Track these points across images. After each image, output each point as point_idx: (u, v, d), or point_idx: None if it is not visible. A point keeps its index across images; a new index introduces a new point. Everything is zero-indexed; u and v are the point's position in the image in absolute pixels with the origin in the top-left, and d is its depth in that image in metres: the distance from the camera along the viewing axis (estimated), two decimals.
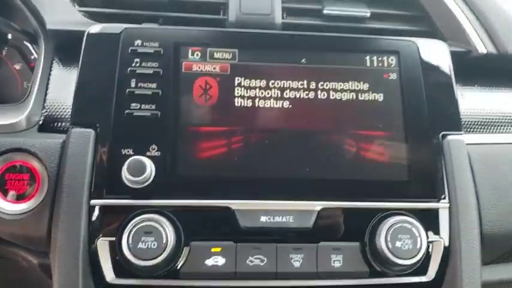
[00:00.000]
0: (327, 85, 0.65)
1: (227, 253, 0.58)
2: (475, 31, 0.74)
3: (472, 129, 0.73)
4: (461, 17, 0.75)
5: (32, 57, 0.80)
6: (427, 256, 0.61)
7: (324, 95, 0.65)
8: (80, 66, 0.64)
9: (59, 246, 0.58)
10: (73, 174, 0.59)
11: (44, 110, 0.67)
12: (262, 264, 0.58)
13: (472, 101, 0.75)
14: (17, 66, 0.81)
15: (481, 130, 0.74)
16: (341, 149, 0.63)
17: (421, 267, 0.61)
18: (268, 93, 0.65)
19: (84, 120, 0.62)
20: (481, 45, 0.74)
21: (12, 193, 0.62)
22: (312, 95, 0.65)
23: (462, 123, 0.69)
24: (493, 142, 0.70)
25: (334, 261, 0.59)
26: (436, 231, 0.62)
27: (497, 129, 0.74)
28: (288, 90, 0.65)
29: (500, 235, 0.65)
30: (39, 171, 0.62)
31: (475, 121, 0.73)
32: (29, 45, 0.81)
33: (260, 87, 0.65)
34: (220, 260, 0.58)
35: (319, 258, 0.59)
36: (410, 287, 0.61)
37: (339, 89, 0.65)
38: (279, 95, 0.65)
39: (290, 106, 0.64)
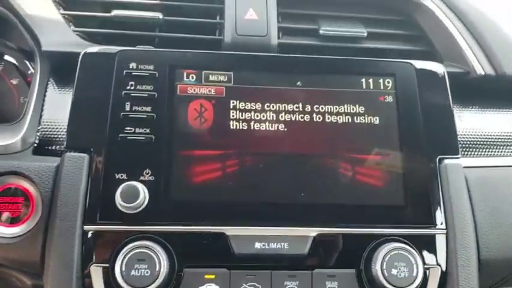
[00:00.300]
0: (322, 108, 0.65)
1: (221, 280, 0.58)
2: (473, 52, 0.74)
3: (470, 151, 0.73)
4: (459, 38, 0.74)
5: (29, 72, 0.81)
6: (424, 282, 0.60)
7: (319, 118, 0.65)
8: (74, 89, 0.64)
9: (52, 272, 0.57)
10: (67, 199, 0.59)
11: (39, 132, 0.67)
12: None
13: (470, 122, 0.74)
14: (14, 81, 0.81)
15: (479, 151, 0.73)
16: (336, 173, 0.63)
17: None
18: (263, 116, 0.64)
19: (78, 144, 0.62)
20: (479, 67, 0.74)
21: (6, 216, 0.62)
22: (307, 118, 0.65)
23: (460, 144, 0.68)
24: (490, 165, 0.70)
25: None
26: (433, 258, 0.61)
27: (495, 150, 0.74)
28: (284, 113, 0.65)
29: (498, 260, 0.64)
30: (33, 195, 0.62)
31: (473, 142, 0.73)
32: (26, 61, 0.81)
33: (255, 110, 0.64)
34: None
35: (314, 285, 0.58)
36: None
37: (334, 112, 0.65)
38: (275, 118, 0.64)
39: (285, 129, 0.64)
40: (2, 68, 0.82)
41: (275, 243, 0.59)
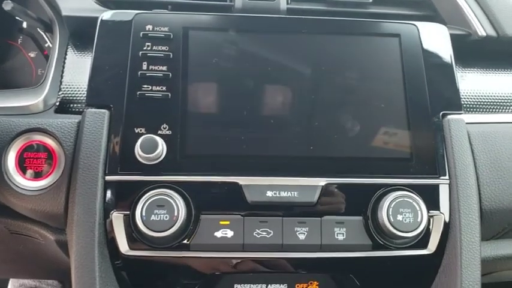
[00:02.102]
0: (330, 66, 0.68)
1: (235, 226, 0.61)
2: (475, 14, 0.76)
3: (472, 111, 0.75)
4: (460, 1, 0.76)
5: (46, 45, 0.83)
6: (428, 230, 0.63)
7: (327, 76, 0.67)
8: (94, 51, 0.67)
9: (76, 220, 0.61)
10: (89, 152, 0.62)
11: (60, 93, 0.70)
12: (268, 236, 0.61)
13: (472, 83, 0.76)
14: (32, 54, 0.84)
15: (481, 111, 0.75)
16: (344, 127, 0.66)
17: (422, 241, 0.63)
18: (274, 75, 0.67)
19: (98, 102, 0.65)
20: (481, 28, 0.76)
21: (30, 171, 0.65)
22: (316, 75, 0.67)
23: (463, 104, 0.71)
24: (492, 121, 0.72)
25: (337, 234, 0.61)
26: (437, 206, 0.64)
27: (497, 110, 0.76)
28: (293, 71, 0.67)
29: (499, 210, 0.67)
30: (56, 150, 0.66)
31: (475, 102, 0.75)
32: (42, 33, 0.84)
33: (266, 70, 0.67)
34: (228, 233, 0.61)
35: (323, 231, 0.61)
36: (412, 260, 0.63)
37: (342, 70, 0.68)
38: (285, 77, 0.67)
39: (295, 87, 0.67)
40: (20, 41, 0.85)
41: (286, 192, 0.62)
